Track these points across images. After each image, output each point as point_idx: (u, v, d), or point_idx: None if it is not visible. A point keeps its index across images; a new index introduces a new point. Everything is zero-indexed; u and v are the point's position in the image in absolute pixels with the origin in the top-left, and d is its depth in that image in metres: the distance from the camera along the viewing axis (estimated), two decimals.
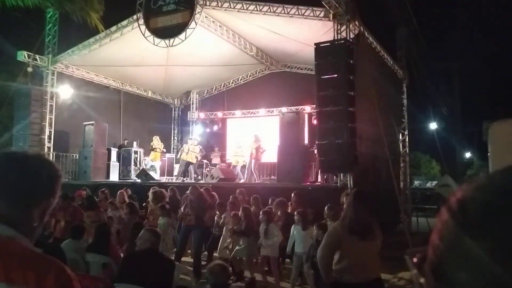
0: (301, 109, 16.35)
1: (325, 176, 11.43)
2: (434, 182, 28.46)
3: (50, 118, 14.97)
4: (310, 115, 15.63)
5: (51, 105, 14.99)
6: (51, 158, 14.69)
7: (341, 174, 9.69)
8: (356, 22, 10.44)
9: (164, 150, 16.50)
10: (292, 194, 8.23)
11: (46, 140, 14.83)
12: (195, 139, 16.31)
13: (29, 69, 14.62)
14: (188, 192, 7.84)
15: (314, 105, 14.15)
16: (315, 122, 12.83)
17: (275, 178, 13.02)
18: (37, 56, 14.65)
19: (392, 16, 16.19)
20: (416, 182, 25.12)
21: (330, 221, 5.86)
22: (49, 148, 14.91)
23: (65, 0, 13.01)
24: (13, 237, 1.05)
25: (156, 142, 15.84)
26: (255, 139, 13.64)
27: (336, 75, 9.51)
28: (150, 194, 8.49)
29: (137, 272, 3.57)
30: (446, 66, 29.83)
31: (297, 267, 6.32)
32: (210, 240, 7.63)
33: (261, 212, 6.69)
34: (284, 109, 16.75)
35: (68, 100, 15.53)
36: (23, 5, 12.31)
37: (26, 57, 14.43)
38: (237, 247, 6.77)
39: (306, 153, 11.89)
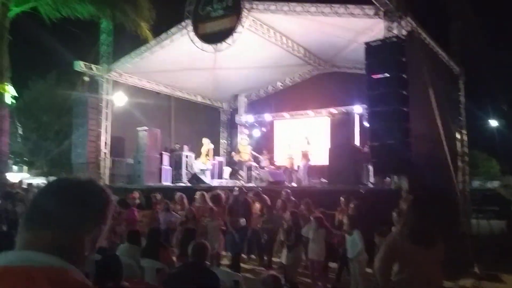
0: (351, 109, 15.99)
1: (378, 179, 11.07)
2: (495, 182, 26.97)
3: (106, 125, 15.57)
4: (361, 115, 15.26)
5: (106, 112, 15.59)
6: (107, 164, 15.30)
7: (395, 176, 9.35)
8: (408, 18, 10.05)
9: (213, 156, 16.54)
10: (342, 198, 7.95)
11: (103, 146, 15.42)
12: (245, 139, 16.36)
13: (86, 78, 15.27)
14: (235, 193, 7.83)
15: (365, 105, 13.83)
16: (366, 122, 12.51)
17: (326, 180, 12.79)
18: (93, 66, 15.29)
19: (446, 9, 15.50)
20: (476, 183, 23.91)
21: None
22: (105, 153, 15.50)
23: (117, 11, 13.54)
24: (65, 269, 1.01)
25: (206, 146, 15.94)
26: (307, 142, 13.50)
27: (387, 74, 9.19)
28: (209, 198, 8.54)
29: (181, 285, 3.58)
30: (507, 59, 28.14)
31: (353, 275, 6.14)
32: (258, 243, 7.57)
33: (311, 217, 6.57)
34: (333, 110, 16.47)
35: (122, 107, 16.08)
36: (77, 14, 12.94)
37: (83, 67, 15.10)
38: (285, 253, 6.69)
39: (357, 154, 11.58)
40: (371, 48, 9.46)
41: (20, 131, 16.55)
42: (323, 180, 13.58)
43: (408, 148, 8.95)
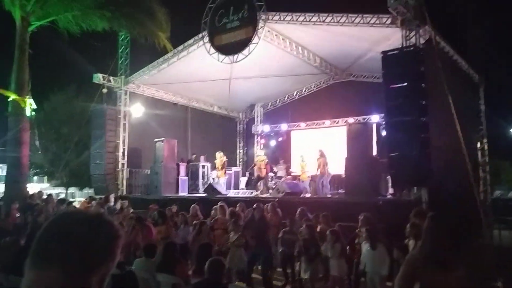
0: (368, 118, 15.85)
1: (397, 190, 10.87)
2: None
3: (124, 136, 15.73)
4: (378, 124, 15.09)
5: (124, 124, 15.76)
6: (125, 175, 15.42)
7: (415, 187, 9.17)
8: (426, 27, 9.91)
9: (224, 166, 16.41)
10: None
11: (120, 157, 15.57)
12: (260, 151, 16.31)
13: (104, 90, 15.49)
14: (252, 208, 7.73)
15: (382, 114, 13.66)
16: (384, 132, 12.35)
17: (343, 191, 12.63)
18: (111, 78, 15.51)
19: (465, 16, 15.27)
20: (497, 192, 23.34)
21: (412, 240, 5.43)
22: (123, 164, 15.64)
23: (135, 24, 13.73)
24: None
25: (219, 159, 15.87)
26: (320, 154, 13.37)
27: (405, 84, 9.05)
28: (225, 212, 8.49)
29: None
30: None
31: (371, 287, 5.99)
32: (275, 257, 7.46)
33: (328, 232, 6.45)
34: (350, 120, 16.35)
35: (139, 118, 16.23)
36: (95, 27, 13.17)
37: (101, 79, 15.32)
38: (304, 267, 6.59)
39: (375, 165, 11.40)
40: (388, 58, 9.35)
41: (39, 142, 16.80)
42: (341, 191, 13.43)
43: (428, 159, 8.77)
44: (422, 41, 9.64)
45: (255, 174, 14.84)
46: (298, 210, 8.30)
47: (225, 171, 15.71)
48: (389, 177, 10.97)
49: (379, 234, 6.29)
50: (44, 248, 1.04)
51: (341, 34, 11.82)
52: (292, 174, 16.14)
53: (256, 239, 7.00)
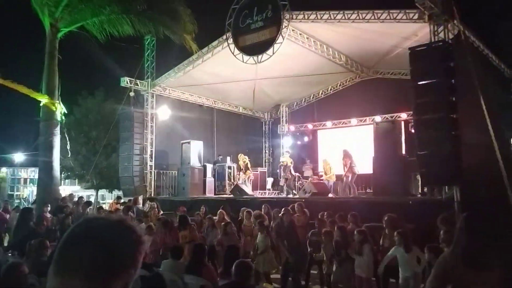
0: (396, 116, 15.55)
1: (427, 189, 10.62)
2: None
3: (151, 138, 15.94)
4: (406, 122, 14.78)
5: (151, 126, 15.97)
6: (153, 177, 15.62)
7: (446, 186, 8.92)
8: (455, 21, 9.64)
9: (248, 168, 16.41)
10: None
11: (148, 159, 15.78)
12: (285, 152, 16.24)
13: (131, 94, 15.73)
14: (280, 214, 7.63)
15: (411, 112, 13.37)
16: (413, 130, 12.07)
17: (371, 191, 12.42)
18: (137, 81, 15.73)
19: (495, 9, 14.80)
20: None
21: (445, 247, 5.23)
22: (151, 166, 15.85)
23: (161, 26, 13.89)
24: None
25: (242, 161, 15.89)
26: (344, 154, 13.22)
27: (434, 80, 8.81)
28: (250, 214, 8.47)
29: None
30: None
31: None
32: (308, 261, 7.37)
33: (355, 232, 6.33)
34: (378, 118, 16.08)
35: (166, 120, 16.41)
36: (122, 32, 13.39)
37: (128, 82, 15.57)
38: (333, 269, 6.49)
39: (404, 164, 11.17)
40: (416, 54, 9.12)
41: (69, 146, 17.21)
42: (369, 191, 13.23)
43: (459, 156, 8.51)
44: (450, 36, 9.36)
45: (282, 176, 14.78)
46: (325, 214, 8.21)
47: (249, 172, 15.72)
48: (419, 176, 10.72)
49: (410, 236, 6.12)
50: (66, 255, 1.03)
51: (367, 31, 11.63)
52: (319, 174, 16.00)
53: (288, 243, 6.90)
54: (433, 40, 9.27)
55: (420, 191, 11.34)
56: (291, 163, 15.23)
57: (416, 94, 9.03)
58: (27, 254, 5.81)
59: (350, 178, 13.11)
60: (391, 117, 15.73)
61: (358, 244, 6.17)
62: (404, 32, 11.29)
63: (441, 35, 9.22)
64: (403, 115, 15.20)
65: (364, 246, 6.12)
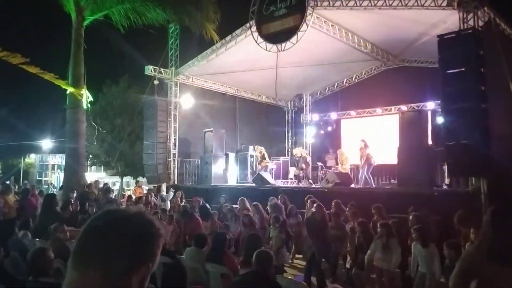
0: (422, 106, 15.21)
1: (453, 180, 10.37)
2: None
3: (175, 127, 16.06)
4: (433, 111, 14.44)
5: (175, 114, 16.08)
6: (176, 165, 15.77)
7: (473, 178, 8.69)
8: (485, 8, 9.30)
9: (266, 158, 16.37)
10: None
11: (172, 147, 15.93)
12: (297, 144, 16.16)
13: (155, 82, 15.84)
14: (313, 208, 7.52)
15: (438, 101, 13.05)
16: (440, 120, 11.78)
17: (395, 182, 12.22)
18: (161, 70, 15.82)
19: None
20: None
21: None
22: (174, 154, 15.99)
23: (185, 16, 13.89)
24: None
25: (258, 152, 15.85)
26: (364, 144, 13.04)
27: (463, 69, 8.54)
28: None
29: None
30: None
31: (418, 285, 5.72)
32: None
33: (379, 225, 6.20)
34: (403, 107, 15.76)
35: (189, 109, 16.49)
36: (146, 20, 13.47)
37: (152, 71, 15.68)
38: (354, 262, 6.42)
39: (430, 154, 10.91)
40: (444, 41, 8.84)
41: (95, 132, 17.51)
42: (393, 181, 13.02)
43: (488, 147, 8.25)
44: (480, 23, 9.04)
45: (299, 166, 14.67)
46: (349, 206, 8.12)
47: (266, 161, 15.70)
48: (445, 167, 10.48)
49: (430, 232, 5.97)
50: (85, 248, 1.02)
51: (394, 18, 11.34)
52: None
53: (315, 238, 6.81)
54: (462, 27, 8.98)
55: (446, 182, 11.09)
56: (306, 154, 15.20)
57: (444, 83, 8.79)
58: (47, 237, 5.93)
59: (366, 169, 12.98)
60: (417, 106, 15.39)
61: (384, 238, 6.05)
62: (432, 19, 10.95)
63: (471, 22, 8.92)
64: (430, 104, 14.85)
65: (391, 241, 5.98)
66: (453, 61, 8.70)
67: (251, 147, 16.49)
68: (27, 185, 13.83)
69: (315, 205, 7.46)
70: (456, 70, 8.62)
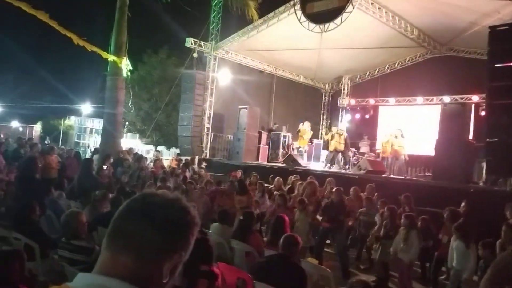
0: (466, 98, 14.62)
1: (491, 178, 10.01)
2: None
3: (211, 101, 16.15)
4: (477, 105, 13.88)
5: (211, 89, 16.13)
6: (209, 139, 15.91)
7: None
8: None
9: (310, 139, 16.22)
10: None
11: (206, 121, 16.06)
12: (340, 129, 15.76)
13: (195, 55, 15.88)
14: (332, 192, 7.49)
15: (483, 94, 12.52)
16: (483, 113, 11.33)
17: (431, 174, 11.92)
18: (202, 43, 15.82)
19: None
20: None
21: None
22: (208, 128, 16.13)
23: None
24: None
25: (304, 129, 15.66)
26: (401, 134, 12.75)
27: None
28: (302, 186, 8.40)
29: (267, 277, 3.53)
30: None
31: (453, 282, 5.60)
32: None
33: (402, 216, 6.07)
34: (446, 98, 15.22)
35: (226, 84, 16.50)
36: None
37: (193, 43, 15.70)
38: (378, 249, 6.34)
39: (470, 149, 10.55)
40: (496, 33, 8.42)
41: (131, 101, 17.84)
42: (428, 173, 12.70)
43: None
44: None
45: (332, 148, 14.41)
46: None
47: (306, 141, 15.58)
48: (483, 164, 10.12)
49: (473, 231, 5.76)
50: (120, 230, 1.01)
51: (444, 4, 10.87)
52: (376, 151, 15.54)
53: (331, 221, 6.78)
54: None
55: (483, 179, 10.72)
56: (310, 133, 15.06)
57: (491, 76, 8.42)
58: (92, 204, 6.13)
59: (404, 160, 12.74)
60: (461, 98, 14.81)
61: (405, 229, 5.94)
62: (485, 9, 10.44)
63: None
64: (474, 98, 14.26)
65: (412, 233, 5.87)
66: (503, 55, 8.32)
67: (284, 127, 16.39)
68: (72, 151, 14.29)
69: (334, 189, 7.42)
70: (506, 64, 8.22)
